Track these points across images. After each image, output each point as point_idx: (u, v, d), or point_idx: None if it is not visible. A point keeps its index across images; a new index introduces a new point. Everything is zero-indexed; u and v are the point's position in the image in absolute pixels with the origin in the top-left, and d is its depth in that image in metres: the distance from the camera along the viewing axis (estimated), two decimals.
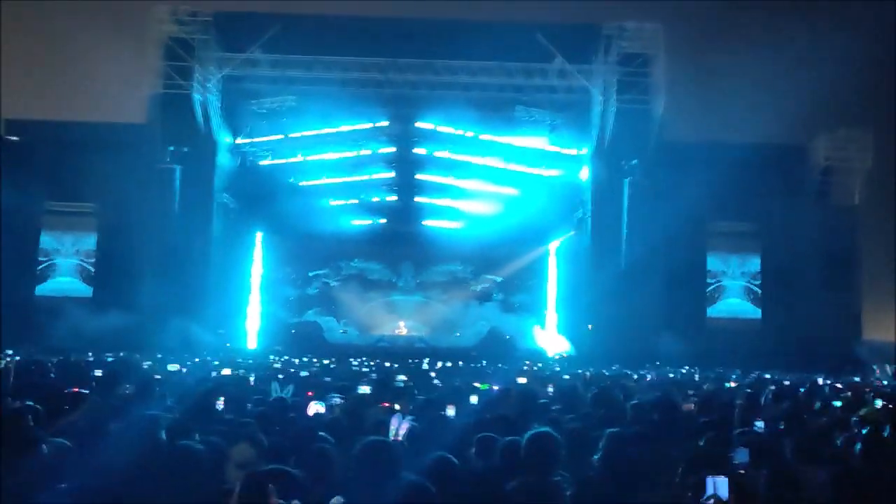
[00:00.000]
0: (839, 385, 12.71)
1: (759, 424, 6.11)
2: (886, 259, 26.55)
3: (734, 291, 27.99)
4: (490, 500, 3.53)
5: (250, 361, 17.75)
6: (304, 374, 12.49)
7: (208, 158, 25.73)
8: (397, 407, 7.56)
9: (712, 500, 3.23)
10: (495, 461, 4.35)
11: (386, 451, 3.94)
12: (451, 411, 6.28)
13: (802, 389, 10.56)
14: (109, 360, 14.57)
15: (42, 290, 26.72)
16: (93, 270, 27.08)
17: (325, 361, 19.11)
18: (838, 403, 8.78)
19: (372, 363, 18.71)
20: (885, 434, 5.82)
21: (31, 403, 6.00)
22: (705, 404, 7.40)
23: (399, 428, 5.38)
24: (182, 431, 4.87)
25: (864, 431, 5.93)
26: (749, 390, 10.24)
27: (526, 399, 8.33)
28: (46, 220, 27.06)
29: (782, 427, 6.25)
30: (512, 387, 10.23)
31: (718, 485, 3.26)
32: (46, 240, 27.20)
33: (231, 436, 4.88)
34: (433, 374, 14.14)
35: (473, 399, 7.62)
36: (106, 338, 21.29)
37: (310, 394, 8.52)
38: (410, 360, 20.32)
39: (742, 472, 4.01)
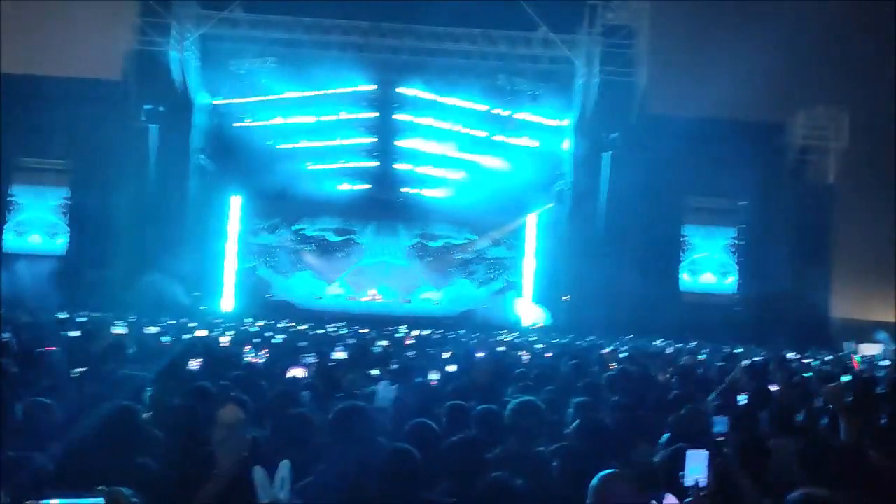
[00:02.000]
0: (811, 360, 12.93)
1: (741, 398, 6.20)
2: (859, 238, 26.98)
3: (709, 266, 28.30)
4: (471, 467, 3.54)
5: (227, 324, 17.65)
6: (276, 340, 12.42)
7: (185, 118, 25.33)
8: (375, 372, 7.58)
9: (692, 478, 3.24)
10: (474, 429, 4.36)
11: (361, 415, 3.92)
12: (433, 375, 6.31)
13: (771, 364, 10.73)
14: (82, 320, 14.41)
15: (12, 246, 26.27)
16: (66, 228, 26.70)
17: (302, 327, 19.05)
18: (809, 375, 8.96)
19: (348, 329, 18.68)
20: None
21: None
22: (682, 377, 7.49)
23: (385, 395, 5.39)
24: (162, 392, 4.84)
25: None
26: (722, 363, 10.41)
27: (501, 368, 8.39)
28: (18, 177, 26.54)
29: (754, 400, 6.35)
30: (487, 356, 10.29)
31: (696, 458, 3.27)
32: (18, 196, 26.69)
33: (213, 397, 4.85)
34: (409, 343, 14.18)
35: (450, 368, 7.64)
36: (78, 297, 21.07)
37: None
38: (386, 328, 20.33)
39: (721, 439, 4.04)
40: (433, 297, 31.22)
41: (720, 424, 4.15)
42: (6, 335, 8.40)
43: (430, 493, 3.26)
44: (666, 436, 4.40)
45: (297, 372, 6.59)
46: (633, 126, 24.99)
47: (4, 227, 26.55)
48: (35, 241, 26.60)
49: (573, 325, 23.51)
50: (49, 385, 5.29)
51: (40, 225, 26.81)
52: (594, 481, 2.99)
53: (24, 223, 26.76)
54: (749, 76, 24.70)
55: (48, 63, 24.98)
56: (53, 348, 7.24)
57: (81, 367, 6.25)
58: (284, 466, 3.04)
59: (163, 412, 4.52)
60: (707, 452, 3.32)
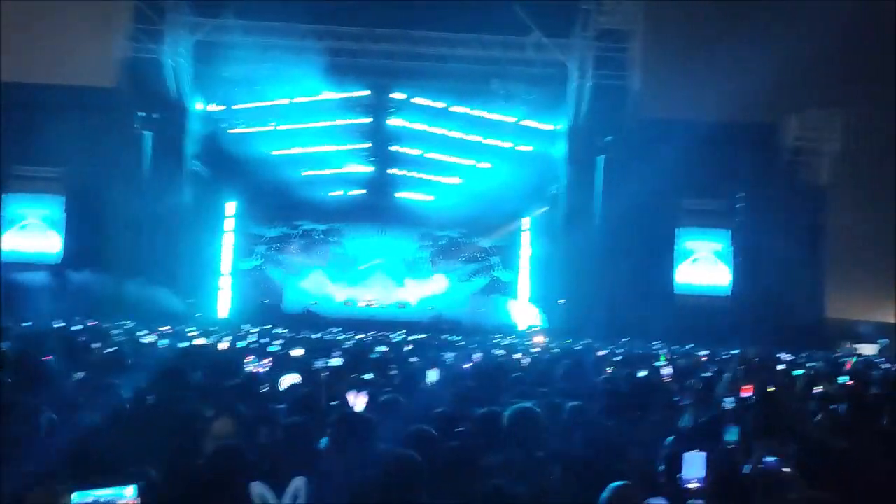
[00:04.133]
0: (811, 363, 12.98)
1: (729, 400, 6.24)
2: (853, 239, 27.09)
3: (704, 268, 28.35)
4: (468, 475, 3.56)
5: (224, 331, 17.63)
6: (273, 348, 12.28)
7: (179, 125, 25.35)
8: (369, 376, 7.59)
9: (690, 480, 3.27)
10: (471, 435, 4.38)
11: (361, 423, 3.95)
12: (432, 376, 6.32)
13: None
14: (78, 328, 14.39)
15: (8, 256, 26.20)
16: (61, 236, 26.65)
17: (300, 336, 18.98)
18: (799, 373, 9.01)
19: (344, 335, 18.68)
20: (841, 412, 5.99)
21: None
22: (680, 379, 7.53)
23: (355, 401, 5.40)
24: (159, 400, 4.85)
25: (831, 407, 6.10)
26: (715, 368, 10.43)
27: (497, 373, 8.41)
28: (12, 185, 26.48)
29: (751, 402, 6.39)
30: (480, 361, 10.33)
31: (693, 460, 3.30)
32: (12, 204, 26.64)
33: (209, 406, 4.86)
34: (407, 348, 14.18)
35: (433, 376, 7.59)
36: (73, 305, 21.03)
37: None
38: (380, 333, 20.34)
39: (731, 447, 4.07)
40: (429, 301, 31.24)
41: (731, 433, 4.15)
42: (4, 344, 8.39)
43: (431, 499, 3.28)
44: (670, 439, 4.42)
45: (290, 379, 6.56)
46: (627, 129, 25.06)
47: (1, 234, 26.49)
48: (31, 248, 26.52)
49: (569, 328, 23.55)
50: (46, 394, 5.29)
51: (36, 233, 26.73)
52: (605, 493, 2.98)
53: (19, 231, 26.69)
54: (742, 78, 24.79)
55: (42, 71, 24.97)
56: (50, 357, 7.24)
57: (79, 375, 6.26)
58: (298, 480, 3.05)
59: (161, 419, 4.53)
60: (705, 454, 3.36)
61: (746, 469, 3.91)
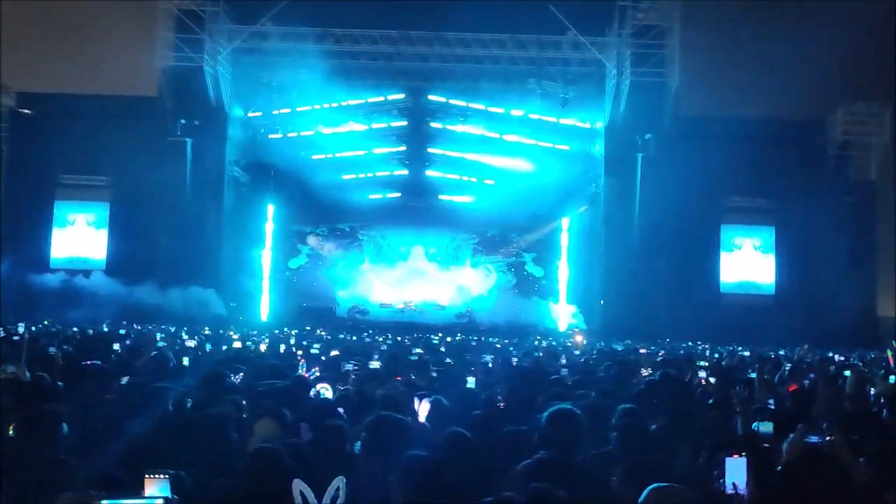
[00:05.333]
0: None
1: (770, 402, 6.10)
2: None
3: (749, 267, 27.82)
4: (504, 478, 3.51)
5: (264, 333, 17.82)
6: (314, 350, 12.33)
7: (219, 131, 25.70)
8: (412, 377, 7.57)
9: (731, 485, 3.19)
10: (508, 438, 4.33)
11: (394, 426, 3.93)
12: (471, 382, 6.28)
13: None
14: (123, 332, 14.67)
15: (57, 263, 26.87)
16: (107, 243, 27.23)
17: (340, 336, 19.13)
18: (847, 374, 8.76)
19: (381, 337, 18.73)
20: None
21: (42, 374, 6.07)
22: (723, 380, 7.37)
23: (420, 408, 5.37)
24: (200, 404, 4.90)
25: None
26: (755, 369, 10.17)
27: (536, 374, 8.32)
28: (60, 193, 27.19)
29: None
30: (520, 362, 10.25)
31: (735, 465, 3.23)
32: (61, 212, 27.34)
33: (252, 410, 4.89)
34: (443, 349, 14.15)
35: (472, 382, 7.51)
36: (120, 310, 21.49)
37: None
38: (419, 335, 20.37)
39: (766, 444, 3.97)
40: (467, 303, 31.20)
41: (765, 427, 4.07)
42: (52, 349, 8.57)
43: (453, 499, 3.25)
44: (709, 442, 4.32)
45: (324, 390, 6.50)
46: (667, 127, 24.71)
47: (50, 242, 27.18)
48: (77, 254, 27.17)
49: (610, 329, 23.29)
50: (93, 399, 5.38)
51: (83, 239, 27.37)
52: (643, 495, 2.94)
53: (67, 238, 27.36)
54: (784, 74, 24.33)
55: (86, 81, 25.62)
56: (97, 362, 7.36)
57: (126, 379, 6.35)
58: (339, 481, 3.06)
59: (203, 421, 4.56)
60: (745, 459, 3.27)
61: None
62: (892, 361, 13.02)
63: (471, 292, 31.44)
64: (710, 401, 6.24)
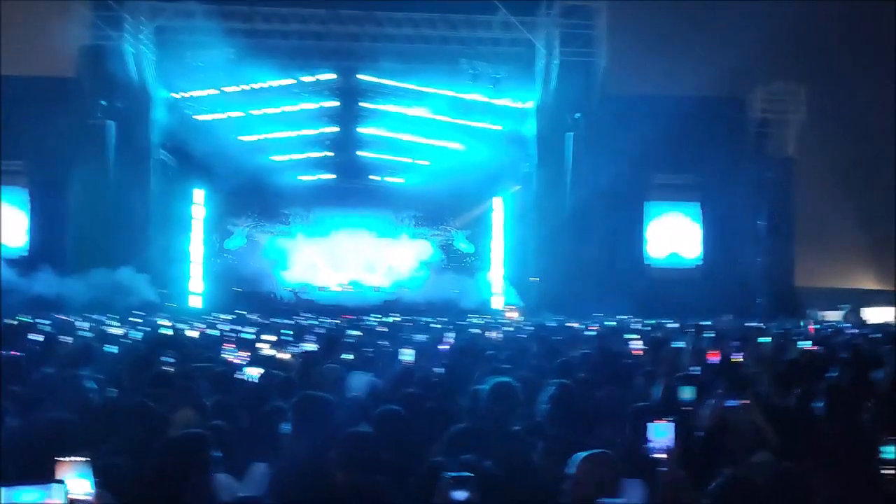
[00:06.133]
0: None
1: (696, 369, 6.34)
2: (819, 207, 27.53)
3: (675, 241, 28.62)
4: (432, 450, 3.56)
5: (196, 319, 17.49)
6: (245, 335, 12.16)
7: (143, 113, 24.89)
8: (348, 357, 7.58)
9: (665, 448, 3.30)
10: (436, 413, 4.39)
11: (318, 403, 3.94)
12: (406, 355, 6.33)
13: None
14: (46, 322, 14.17)
15: None
16: (26, 229, 26.19)
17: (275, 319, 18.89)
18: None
19: (317, 319, 18.62)
20: None
21: None
22: (653, 351, 7.62)
23: (358, 384, 5.40)
24: (124, 389, 4.80)
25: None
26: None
27: (470, 350, 8.44)
28: None
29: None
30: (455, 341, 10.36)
31: (660, 429, 3.34)
32: None
33: (174, 399, 4.81)
34: (381, 330, 14.17)
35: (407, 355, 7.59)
36: (41, 299, 20.73)
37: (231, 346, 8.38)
38: (357, 317, 20.33)
39: (689, 409, 4.13)
40: (402, 284, 31.24)
41: (687, 392, 4.23)
42: None
43: (389, 475, 3.28)
44: (632, 409, 4.46)
45: (252, 371, 6.41)
46: (596, 106, 25.12)
47: None
48: None
49: (542, 306, 23.71)
50: (14, 390, 5.21)
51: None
52: (575, 464, 3.02)
53: None
54: (708, 53, 24.96)
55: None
56: (18, 353, 7.12)
57: (47, 371, 6.17)
58: (259, 466, 3.05)
59: (124, 411, 4.47)
60: (673, 423, 3.39)
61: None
62: (811, 330, 13.67)
63: (404, 272, 31.47)
64: (643, 371, 6.43)
